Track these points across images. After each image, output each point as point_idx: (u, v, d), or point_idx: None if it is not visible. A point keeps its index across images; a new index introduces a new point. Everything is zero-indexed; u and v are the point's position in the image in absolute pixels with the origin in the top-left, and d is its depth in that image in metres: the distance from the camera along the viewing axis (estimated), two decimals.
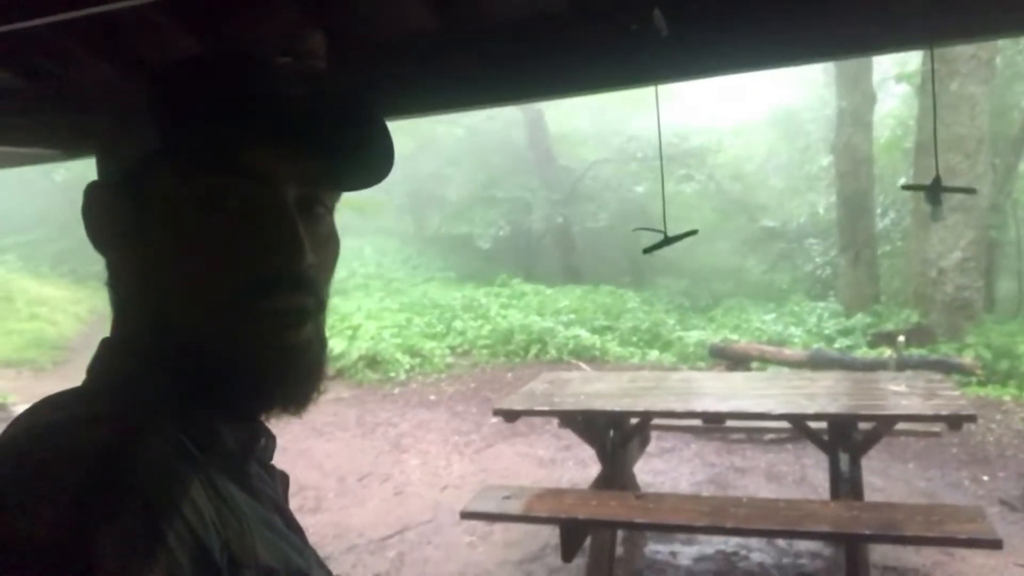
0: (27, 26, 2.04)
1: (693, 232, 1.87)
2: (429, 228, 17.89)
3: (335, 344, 9.71)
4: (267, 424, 0.71)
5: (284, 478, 0.75)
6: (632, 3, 2.25)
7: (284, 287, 0.61)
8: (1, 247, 14.81)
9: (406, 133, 16.24)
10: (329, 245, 0.68)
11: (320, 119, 0.62)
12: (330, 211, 0.68)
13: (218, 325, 0.60)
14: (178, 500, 0.51)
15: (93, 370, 0.65)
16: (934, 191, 1.89)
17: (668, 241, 1.82)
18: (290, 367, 0.63)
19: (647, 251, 1.88)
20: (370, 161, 0.67)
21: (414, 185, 17.14)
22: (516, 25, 2.62)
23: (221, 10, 2.58)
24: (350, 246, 15.97)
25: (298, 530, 0.69)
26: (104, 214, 0.65)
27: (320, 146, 0.62)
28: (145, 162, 0.61)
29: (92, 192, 0.66)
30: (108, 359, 0.65)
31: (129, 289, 0.66)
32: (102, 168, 0.67)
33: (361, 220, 16.90)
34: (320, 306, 0.67)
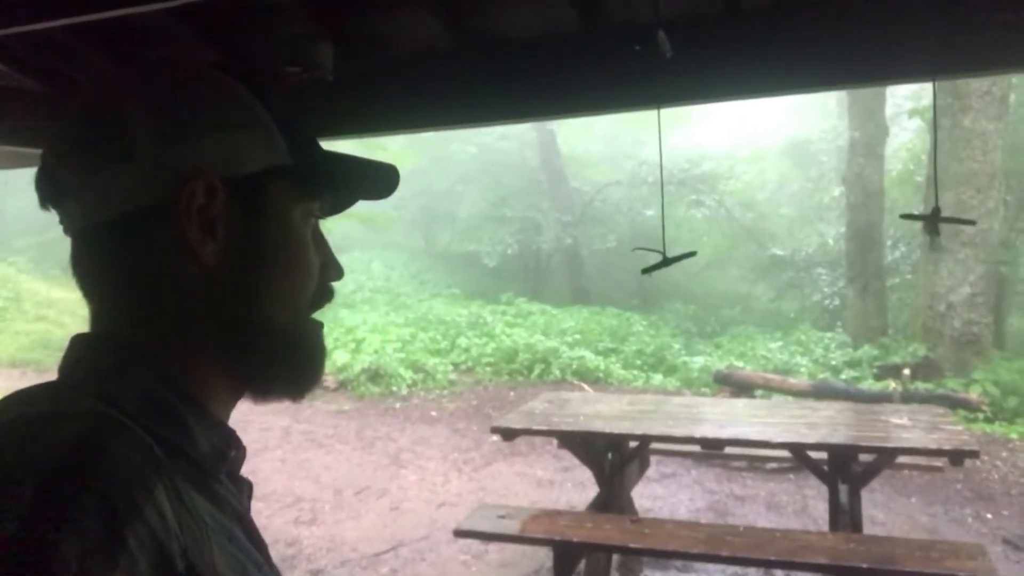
0: (40, 28, 2.08)
1: (692, 254, 1.86)
2: (438, 244, 17.94)
3: (339, 356, 9.72)
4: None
5: (248, 486, 0.73)
6: (639, 26, 2.27)
7: (331, 296, 0.75)
8: (13, 248, 14.94)
9: (420, 150, 16.34)
10: None
11: (384, 178, 0.76)
12: None
13: (302, 319, 0.71)
14: (141, 504, 0.50)
15: (68, 366, 0.64)
16: (933, 221, 1.88)
17: (667, 262, 1.82)
18: (324, 356, 0.75)
19: (645, 271, 1.87)
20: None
21: (425, 201, 17.22)
22: (525, 45, 2.65)
23: (236, 18, 2.62)
24: (359, 259, 16.01)
25: (261, 545, 0.68)
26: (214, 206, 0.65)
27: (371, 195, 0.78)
28: (269, 171, 0.67)
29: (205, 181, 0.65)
30: (84, 354, 0.64)
31: (178, 287, 0.65)
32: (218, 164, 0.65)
33: (371, 234, 16.97)
34: None
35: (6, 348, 10.50)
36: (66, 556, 0.45)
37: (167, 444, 0.57)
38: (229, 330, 0.66)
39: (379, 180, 0.75)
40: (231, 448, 0.68)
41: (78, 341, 0.66)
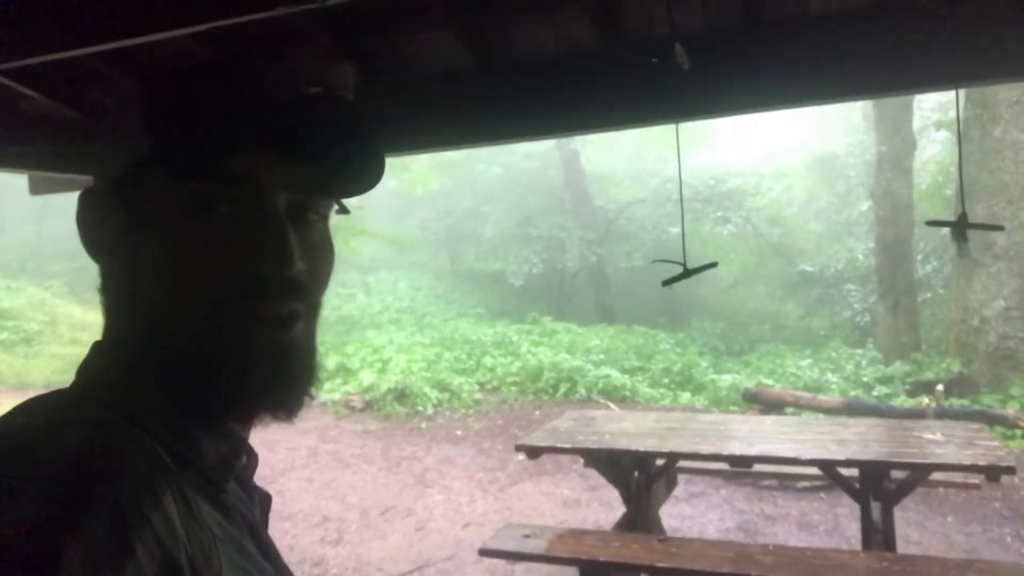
0: (71, 56, 2.13)
1: (712, 265, 1.85)
2: (463, 264, 18.01)
3: (365, 376, 9.76)
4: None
5: (266, 499, 0.72)
6: (657, 42, 2.27)
7: (273, 293, 0.61)
8: (49, 273, 15.28)
9: (445, 171, 16.48)
10: (322, 251, 0.67)
11: (309, 124, 0.62)
12: (324, 217, 0.68)
13: (207, 330, 0.60)
14: (149, 512, 0.50)
15: (81, 373, 0.64)
16: (960, 228, 1.85)
17: (687, 273, 1.81)
18: (279, 371, 0.63)
19: (666, 283, 1.87)
20: (360, 167, 0.66)
21: (451, 221, 17.33)
22: (545, 63, 2.67)
23: (259, 42, 2.67)
24: (385, 280, 16.12)
25: (273, 556, 0.67)
26: (98, 219, 0.65)
27: (308, 152, 0.62)
28: (137, 168, 0.61)
29: (86, 198, 0.67)
30: (95, 363, 0.65)
31: (120, 294, 0.66)
32: (98, 174, 0.67)
33: (397, 255, 17.08)
34: (312, 311, 0.67)
35: (41, 370, 10.71)
36: (72, 563, 0.44)
37: (175, 453, 0.57)
38: (141, 349, 0.63)
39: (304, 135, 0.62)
40: (239, 456, 0.66)
41: (95, 348, 0.66)
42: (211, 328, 0.60)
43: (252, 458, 0.70)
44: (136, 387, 0.61)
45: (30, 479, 0.48)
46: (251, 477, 0.71)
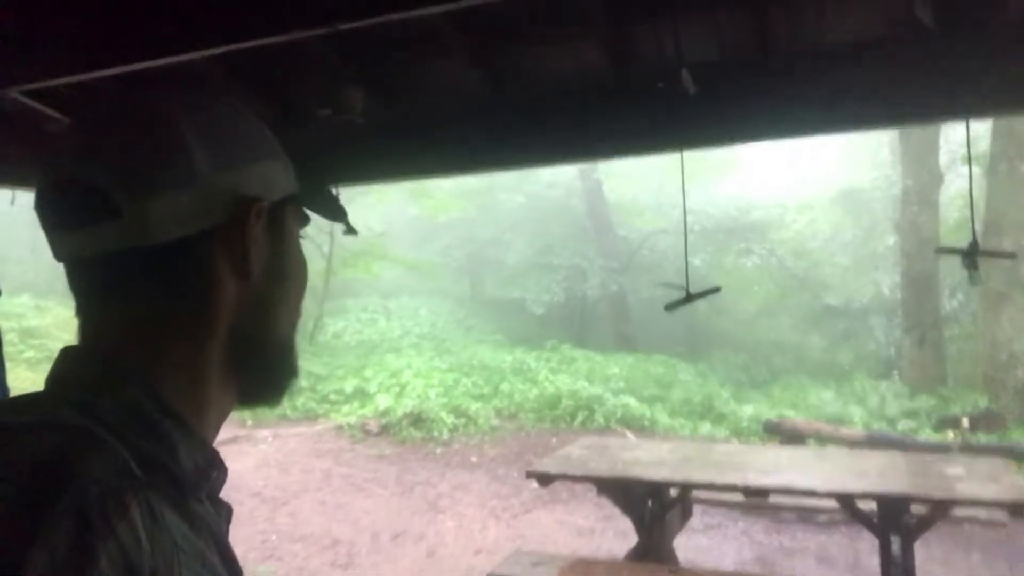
0: (91, 78, 2.19)
1: (715, 290, 1.84)
2: (484, 291, 18.04)
3: (381, 400, 9.76)
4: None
5: (229, 512, 0.72)
6: (669, 72, 2.28)
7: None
8: None
9: (468, 199, 16.57)
10: None
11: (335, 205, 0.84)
12: None
13: (293, 330, 0.76)
14: (114, 522, 0.50)
15: (55, 378, 0.64)
16: (971, 256, 1.82)
17: (690, 298, 1.80)
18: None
19: (668, 308, 1.85)
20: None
21: (472, 248, 17.39)
22: (556, 91, 2.69)
23: (275, 65, 2.73)
24: (406, 305, 16.17)
25: (236, 570, 0.67)
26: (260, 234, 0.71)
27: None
28: (286, 197, 0.73)
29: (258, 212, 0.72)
30: (72, 367, 0.64)
31: (187, 303, 0.66)
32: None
33: (419, 281, 17.15)
34: None
35: None
36: (35, 570, 0.44)
37: (148, 460, 0.57)
38: (248, 343, 0.70)
39: (333, 206, 0.84)
40: (213, 467, 0.67)
41: (68, 353, 0.65)
42: (293, 329, 0.76)
43: (223, 473, 0.70)
44: (119, 390, 0.61)
45: None
46: (220, 491, 0.71)
